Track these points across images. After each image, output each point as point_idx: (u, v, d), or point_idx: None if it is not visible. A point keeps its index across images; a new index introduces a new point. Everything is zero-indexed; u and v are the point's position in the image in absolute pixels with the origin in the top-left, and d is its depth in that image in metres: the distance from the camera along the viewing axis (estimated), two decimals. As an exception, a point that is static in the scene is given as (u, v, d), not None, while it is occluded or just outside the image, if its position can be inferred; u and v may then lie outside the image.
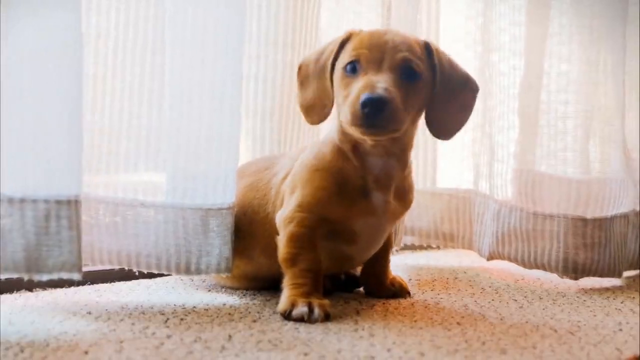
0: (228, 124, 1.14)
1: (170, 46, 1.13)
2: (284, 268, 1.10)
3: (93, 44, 1.14)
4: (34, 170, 0.97)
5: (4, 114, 0.95)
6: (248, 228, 1.17)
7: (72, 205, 0.99)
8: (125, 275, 1.28)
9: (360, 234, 1.12)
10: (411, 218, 1.57)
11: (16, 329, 0.96)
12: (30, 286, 1.19)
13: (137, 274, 1.22)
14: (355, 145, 1.10)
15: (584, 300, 1.26)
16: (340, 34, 1.12)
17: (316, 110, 1.12)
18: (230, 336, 0.95)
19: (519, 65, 1.47)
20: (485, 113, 1.52)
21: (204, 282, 1.31)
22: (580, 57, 1.45)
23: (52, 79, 0.98)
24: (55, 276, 0.98)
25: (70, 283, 1.22)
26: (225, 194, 1.14)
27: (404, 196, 1.15)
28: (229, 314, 1.08)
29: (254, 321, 1.04)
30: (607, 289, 1.37)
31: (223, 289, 1.26)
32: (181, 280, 1.32)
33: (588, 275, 1.39)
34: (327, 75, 1.10)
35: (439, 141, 1.62)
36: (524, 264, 1.43)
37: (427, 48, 1.10)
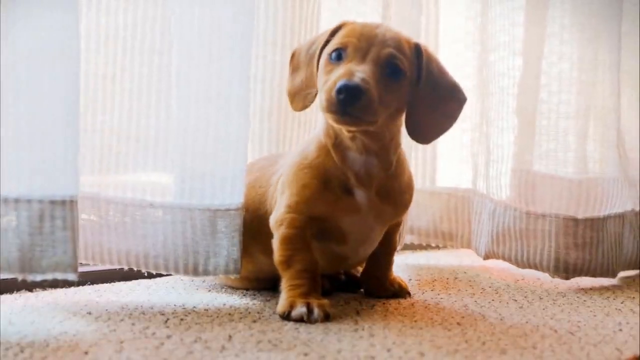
0: (236, 124, 1.14)
1: (178, 46, 1.13)
2: (280, 271, 1.10)
3: (102, 44, 1.14)
4: (29, 171, 0.97)
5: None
6: (249, 226, 1.17)
7: (67, 205, 0.99)
8: (125, 275, 1.28)
9: (349, 233, 1.12)
10: (410, 217, 1.57)
11: (16, 329, 0.96)
12: (30, 286, 1.19)
13: (140, 273, 1.22)
14: (337, 140, 1.10)
15: (584, 300, 1.26)
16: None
17: (301, 97, 1.12)
18: (230, 336, 0.95)
19: (517, 65, 1.46)
20: (483, 113, 1.52)
21: (203, 282, 1.31)
22: (577, 57, 1.45)
23: (48, 80, 0.98)
24: (49, 276, 0.98)
25: (70, 283, 1.22)
26: (233, 195, 1.14)
27: (395, 197, 1.13)
28: (229, 314, 1.08)
29: (254, 321, 1.04)
30: (607, 289, 1.37)
31: (223, 289, 1.26)
32: (181, 280, 1.32)
33: (580, 275, 1.39)
34: (315, 62, 1.10)
35: (439, 141, 1.62)
36: (518, 263, 1.43)
37: (417, 49, 1.09)
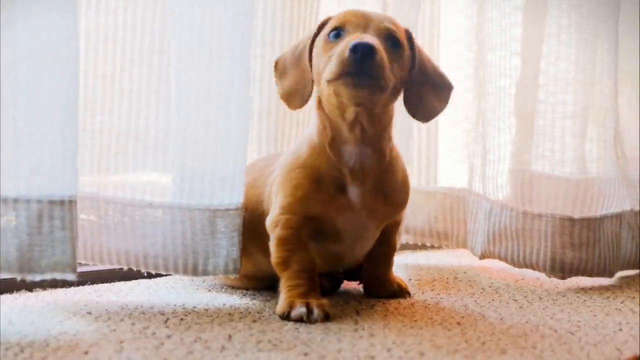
0: (235, 124, 1.14)
1: (177, 46, 1.13)
2: (278, 272, 1.10)
3: (102, 44, 1.14)
4: (28, 171, 0.97)
5: None
6: (248, 226, 1.17)
7: (66, 205, 0.99)
8: (125, 275, 1.28)
9: (343, 231, 1.12)
10: (406, 216, 1.57)
11: (16, 329, 0.96)
12: (30, 286, 1.19)
13: (139, 273, 1.22)
14: (333, 136, 1.10)
15: (584, 300, 1.26)
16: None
17: (298, 94, 1.11)
18: (230, 336, 0.95)
19: (515, 66, 1.46)
20: (480, 113, 1.52)
21: (203, 282, 1.31)
22: (575, 57, 1.45)
23: (47, 80, 0.98)
24: (48, 276, 0.98)
25: (70, 283, 1.22)
26: (233, 195, 1.14)
27: (389, 195, 1.13)
28: (229, 314, 1.08)
29: (254, 321, 1.04)
30: (607, 289, 1.37)
31: (223, 289, 1.26)
32: (181, 280, 1.32)
33: (576, 274, 1.39)
34: (306, 58, 1.10)
35: (439, 141, 1.63)
36: (514, 263, 1.43)
37: (408, 34, 1.11)
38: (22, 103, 0.97)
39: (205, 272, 1.15)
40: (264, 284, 1.24)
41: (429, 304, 1.18)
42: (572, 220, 1.39)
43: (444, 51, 1.59)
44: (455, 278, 1.42)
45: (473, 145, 1.54)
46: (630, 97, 1.61)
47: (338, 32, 1.06)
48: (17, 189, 0.97)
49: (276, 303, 1.09)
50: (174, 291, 1.23)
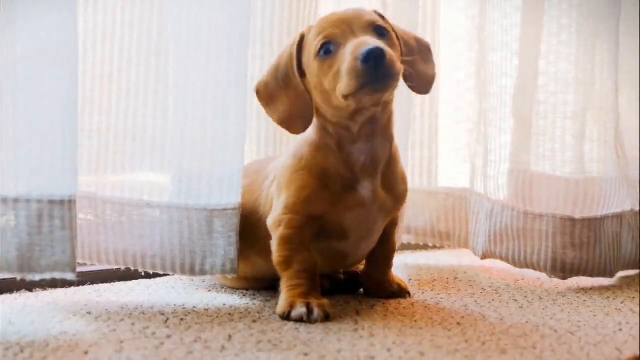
0: (233, 124, 1.14)
1: (175, 46, 1.13)
2: (280, 271, 1.10)
3: (100, 44, 1.14)
4: (27, 171, 0.97)
5: None
6: (245, 229, 1.17)
7: (66, 205, 0.99)
8: (125, 275, 1.28)
9: (350, 228, 1.12)
10: (407, 217, 1.58)
11: (16, 329, 0.96)
12: (30, 286, 1.19)
13: (139, 273, 1.22)
14: (340, 138, 1.10)
15: (584, 300, 1.26)
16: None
17: (299, 118, 1.10)
18: (230, 336, 0.95)
19: (516, 66, 1.46)
20: (481, 113, 1.52)
21: (203, 282, 1.31)
22: (575, 57, 1.45)
23: (47, 80, 0.98)
24: (48, 276, 0.98)
25: (70, 283, 1.22)
26: (230, 195, 1.14)
27: (393, 187, 1.14)
28: (229, 314, 1.08)
29: (254, 321, 1.04)
30: (607, 289, 1.37)
31: (223, 289, 1.26)
32: (181, 280, 1.32)
33: (577, 275, 1.39)
34: (297, 79, 1.09)
35: (441, 140, 1.63)
36: (515, 263, 1.43)
37: (379, 14, 1.12)
38: (22, 103, 0.97)
39: (203, 272, 1.15)
40: (263, 285, 1.24)
41: (429, 304, 1.18)
42: (572, 220, 1.39)
43: (444, 51, 1.59)
44: (456, 278, 1.42)
45: (475, 145, 1.54)
46: (630, 97, 1.61)
47: (328, 48, 1.05)
48: (17, 188, 0.97)
49: (276, 303, 1.09)
50: (174, 291, 1.23)
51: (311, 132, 1.12)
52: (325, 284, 1.19)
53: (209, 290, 1.25)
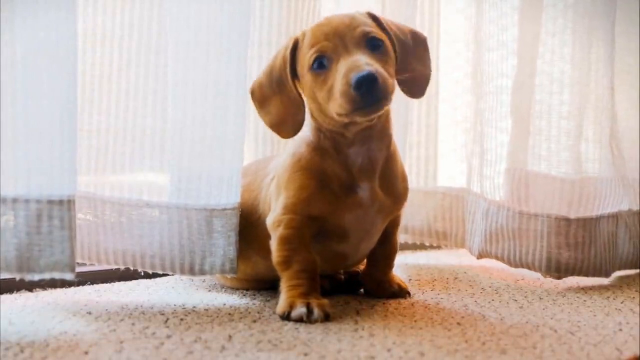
0: (232, 124, 1.14)
1: (174, 46, 1.13)
2: (279, 271, 1.10)
3: (99, 44, 1.14)
4: (26, 170, 0.97)
5: None
6: (245, 229, 1.17)
7: (65, 205, 0.99)
8: (125, 275, 1.28)
9: (349, 229, 1.12)
10: (404, 216, 1.57)
11: (16, 329, 0.96)
12: (30, 286, 1.19)
13: (139, 273, 1.22)
14: (336, 141, 1.10)
15: (584, 300, 1.26)
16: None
17: (289, 123, 1.10)
18: (230, 336, 0.95)
19: (513, 65, 1.46)
20: (477, 113, 1.52)
21: (203, 282, 1.31)
22: (571, 56, 1.45)
23: (46, 80, 0.98)
24: (47, 276, 0.98)
25: (70, 283, 1.22)
26: (230, 194, 1.15)
27: (392, 187, 1.14)
28: (229, 314, 1.08)
29: (254, 321, 1.04)
30: (607, 289, 1.37)
31: (223, 289, 1.26)
32: (181, 280, 1.32)
33: (572, 274, 1.39)
34: (290, 85, 1.09)
35: (439, 140, 1.63)
36: (510, 262, 1.43)
37: (372, 17, 1.11)
38: (21, 103, 0.97)
39: (202, 272, 1.15)
40: (262, 285, 1.24)
41: (429, 304, 1.18)
42: (567, 220, 1.39)
43: (443, 51, 1.59)
44: (455, 278, 1.42)
45: (472, 145, 1.54)
46: (629, 96, 1.60)
47: (321, 62, 1.05)
48: (16, 188, 0.97)
49: (276, 303, 1.09)
50: (174, 291, 1.23)
51: (308, 132, 1.12)
52: (325, 285, 1.19)
53: (209, 290, 1.25)
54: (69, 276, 0.99)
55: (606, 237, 1.42)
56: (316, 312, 1.03)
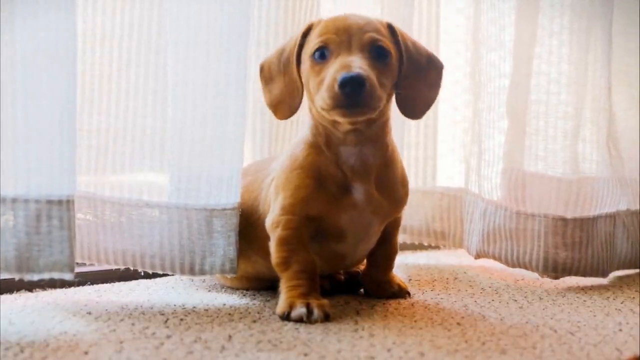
0: (232, 124, 1.14)
1: (174, 46, 1.13)
2: (279, 272, 1.10)
3: (99, 44, 1.14)
4: (26, 170, 0.97)
5: None
6: (245, 229, 1.17)
7: (64, 205, 0.99)
8: (125, 275, 1.28)
9: (346, 229, 1.12)
10: (403, 216, 1.57)
11: (16, 329, 0.96)
12: (30, 286, 1.19)
13: (139, 273, 1.22)
14: (329, 137, 1.10)
15: (584, 301, 1.26)
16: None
17: (286, 104, 1.12)
18: (230, 336, 0.95)
19: (510, 66, 1.46)
20: (476, 113, 1.52)
21: (203, 282, 1.31)
22: (568, 57, 1.45)
23: (46, 80, 0.98)
24: (46, 276, 0.99)
25: (70, 283, 1.22)
26: (230, 194, 1.15)
27: (391, 190, 1.14)
28: (229, 314, 1.08)
29: (254, 321, 1.04)
30: (607, 289, 1.37)
31: (223, 289, 1.26)
32: (181, 280, 1.32)
33: (569, 274, 1.39)
34: (293, 67, 1.10)
35: (437, 140, 1.63)
36: (508, 262, 1.43)
37: (391, 28, 1.11)
38: (20, 103, 0.97)
39: (202, 272, 1.15)
40: (263, 285, 1.24)
41: (429, 304, 1.18)
42: (564, 220, 1.39)
43: (443, 51, 1.59)
44: (455, 278, 1.42)
45: (470, 145, 1.55)
46: (628, 95, 1.60)
47: (322, 52, 1.05)
48: (16, 188, 0.97)
49: (276, 303, 1.09)
50: (174, 291, 1.23)
51: (307, 130, 1.13)
52: (325, 285, 1.19)
53: (209, 290, 1.25)
54: (68, 276, 0.99)
55: (603, 237, 1.42)
56: (316, 312, 1.03)
